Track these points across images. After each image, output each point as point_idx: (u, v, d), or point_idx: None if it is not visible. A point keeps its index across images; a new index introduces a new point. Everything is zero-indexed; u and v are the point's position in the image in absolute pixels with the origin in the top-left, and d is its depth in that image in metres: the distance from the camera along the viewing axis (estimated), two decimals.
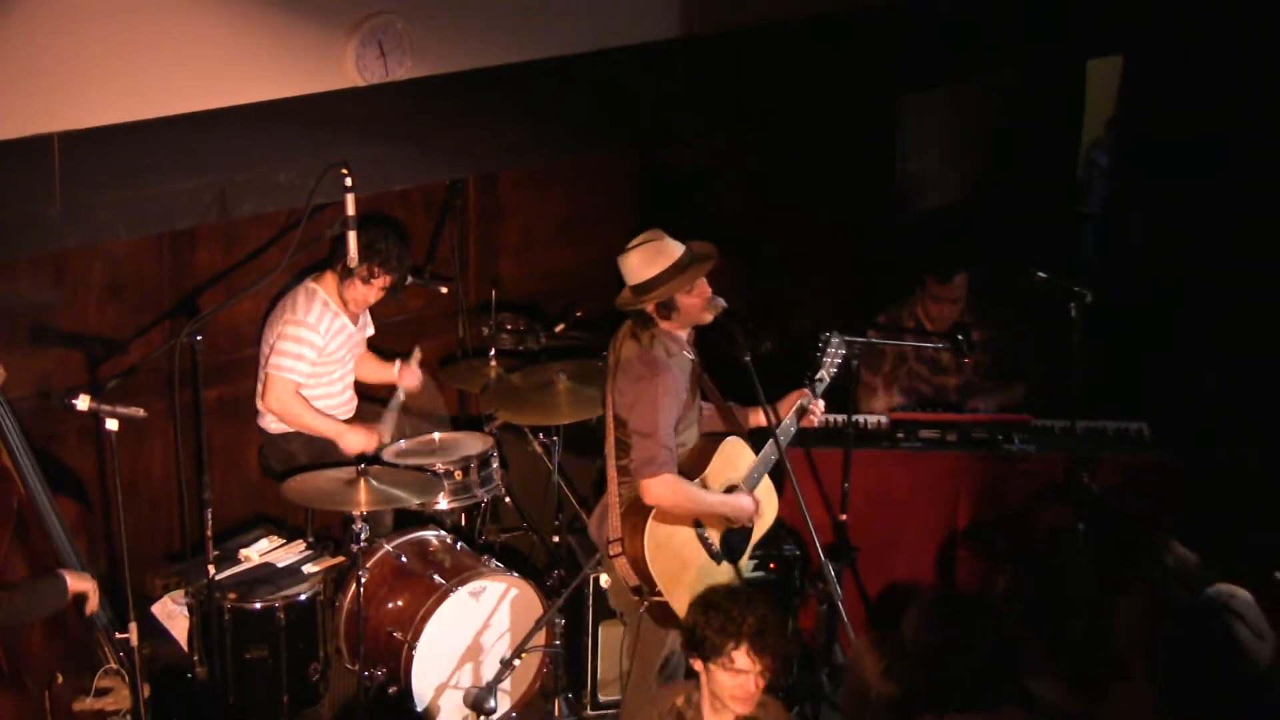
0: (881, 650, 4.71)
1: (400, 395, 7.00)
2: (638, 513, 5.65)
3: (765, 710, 5.04)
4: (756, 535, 5.96)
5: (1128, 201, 9.15)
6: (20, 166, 5.74)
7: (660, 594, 5.61)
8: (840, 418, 6.70)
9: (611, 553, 5.67)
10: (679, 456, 5.68)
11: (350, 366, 6.93)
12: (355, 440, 6.73)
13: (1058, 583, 6.56)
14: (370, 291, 6.72)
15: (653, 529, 5.61)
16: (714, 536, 5.78)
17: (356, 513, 6.21)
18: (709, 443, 5.84)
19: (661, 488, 5.56)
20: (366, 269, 6.61)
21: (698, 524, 5.74)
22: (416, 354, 7.10)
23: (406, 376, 7.03)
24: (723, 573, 5.79)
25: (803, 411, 5.98)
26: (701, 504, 5.70)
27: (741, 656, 4.94)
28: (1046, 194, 9.24)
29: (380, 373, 7.10)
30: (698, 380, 5.85)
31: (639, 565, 5.62)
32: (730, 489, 5.82)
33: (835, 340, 6.12)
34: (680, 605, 5.49)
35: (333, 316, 6.73)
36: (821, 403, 6.03)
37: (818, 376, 6.07)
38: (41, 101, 5.68)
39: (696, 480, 5.71)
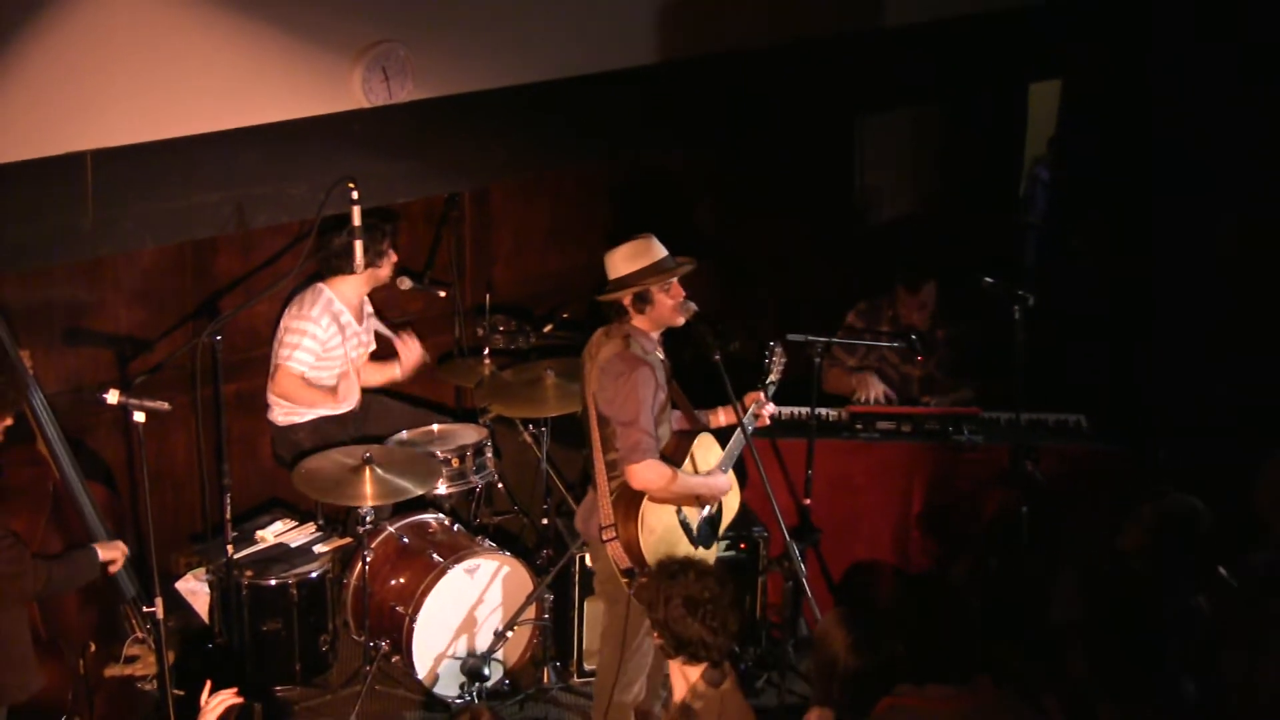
0: (849, 625, 4.75)
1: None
2: (630, 499, 5.62)
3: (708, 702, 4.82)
4: (724, 522, 5.99)
5: (1066, 211, 9.25)
6: (56, 181, 5.82)
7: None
8: (804, 410, 6.80)
9: (605, 538, 5.64)
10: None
11: (354, 364, 6.91)
12: (349, 391, 6.76)
13: (1011, 563, 6.64)
14: (388, 263, 6.77)
15: (646, 512, 5.60)
16: (693, 523, 5.79)
17: (362, 504, 6.27)
18: (683, 439, 5.83)
19: (648, 472, 5.55)
20: (375, 253, 6.61)
21: (679, 511, 5.75)
22: (407, 336, 6.99)
23: (408, 354, 6.97)
24: (700, 556, 5.83)
25: (754, 417, 6.05)
26: (685, 486, 5.67)
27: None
28: (994, 205, 9.31)
29: (383, 374, 7.03)
30: (669, 381, 5.83)
31: (632, 548, 5.59)
32: None
33: (779, 350, 6.16)
34: None
35: (336, 313, 6.72)
36: (772, 405, 6.07)
37: (769, 381, 6.12)
38: (75, 122, 5.77)
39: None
